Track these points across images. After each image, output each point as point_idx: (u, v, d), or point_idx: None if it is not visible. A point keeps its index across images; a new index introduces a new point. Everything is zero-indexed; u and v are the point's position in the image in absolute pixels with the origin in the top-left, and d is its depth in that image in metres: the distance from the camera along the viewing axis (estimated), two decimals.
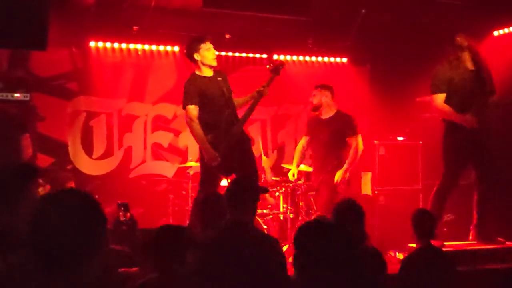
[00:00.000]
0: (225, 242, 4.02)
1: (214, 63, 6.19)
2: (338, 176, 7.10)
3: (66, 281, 1.99)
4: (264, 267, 3.93)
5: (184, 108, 6.16)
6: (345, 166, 7.13)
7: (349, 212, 4.40)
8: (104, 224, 2.11)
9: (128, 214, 4.76)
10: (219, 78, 6.23)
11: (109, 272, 3.35)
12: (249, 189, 4.35)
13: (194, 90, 6.09)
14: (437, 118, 6.96)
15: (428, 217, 5.01)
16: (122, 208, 4.80)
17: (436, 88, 6.60)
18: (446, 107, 6.56)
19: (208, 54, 6.13)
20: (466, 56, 6.61)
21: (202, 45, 6.11)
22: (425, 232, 4.89)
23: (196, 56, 6.12)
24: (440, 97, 6.58)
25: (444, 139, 6.72)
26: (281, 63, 6.51)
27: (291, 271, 3.16)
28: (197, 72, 6.20)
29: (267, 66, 6.50)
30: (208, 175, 6.14)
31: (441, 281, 4.63)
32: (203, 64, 6.15)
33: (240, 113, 6.40)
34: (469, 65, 6.61)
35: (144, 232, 5.49)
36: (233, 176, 6.53)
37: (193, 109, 6.06)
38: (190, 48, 6.16)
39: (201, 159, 6.29)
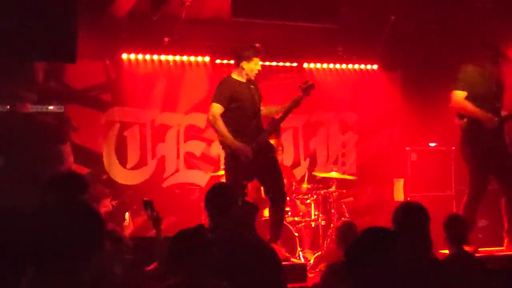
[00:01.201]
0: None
1: (253, 78, 6.32)
2: None
3: (62, 282, 2.05)
4: (256, 272, 3.98)
5: (210, 103, 6.25)
6: None
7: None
8: (100, 229, 2.18)
9: (154, 212, 4.85)
10: (251, 86, 6.32)
11: (107, 273, 3.41)
12: (225, 197, 4.43)
13: (226, 91, 6.19)
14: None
15: (460, 223, 4.99)
16: (147, 206, 4.91)
17: (460, 86, 6.56)
18: (468, 103, 6.51)
19: (255, 68, 6.26)
20: (497, 65, 6.59)
21: (255, 59, 6.24)
22: (457, 238, 4.86)
23: (244, 64, 6.22)
24: (462, 94, 6.55)
25: (464, 145, 6.67)
26: (312, 85, 6.54)
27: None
28: (233, 76, 6.31)
29: (299, 85, 6.55)
30: (232, 179, 6.18)
31: (474, 287, 4.60)
32: (245, 74, 6.25)
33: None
34: (497, 75, 6.59)
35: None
36: (255, 181, 6.60)
37: (218, 108, 6.14)
38: (243, 55, 6.24)
39: (226, 166, 6.34)
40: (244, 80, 6.28)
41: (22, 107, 6.39)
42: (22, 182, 5.29)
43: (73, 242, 2.06)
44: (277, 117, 6.49)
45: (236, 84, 6.24)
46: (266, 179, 6.36)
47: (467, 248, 5.43)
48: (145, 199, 4.96)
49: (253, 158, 6.09)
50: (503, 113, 6.59)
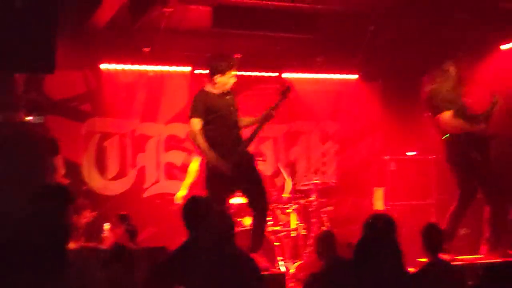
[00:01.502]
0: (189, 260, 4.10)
1: (227, 90, 6.26)
2: None
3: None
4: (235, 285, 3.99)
5: (189, 119, 6.23)
6: None
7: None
8: (62, 245, 2.18)
9: (126, 224, 4.82)
10: (227, 97, 6.30)
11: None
12: (201, 209, 4.45)
13: (201, 104, 6.15)
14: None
15: (436, 232, 5.05)
16: (122, 220, 4.87)
17: (443, 107, 6.65)
18: (458, 121, 6.60)
19: (229, 81, 6.21)
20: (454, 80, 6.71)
21: (228, 73, 6.18)
22: (434, 247, 4.91)
23: (217, 78, 6.17)
24: (450, 114, 6.62)
25: (452, 157, 6.76)
26: (289, 87, 6.55)
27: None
28: (207, 89, 6.27)
29: (277, 89, 6.58)
30: (214, 194, 6.17)
31: None
32: (219, 87, 6.23)
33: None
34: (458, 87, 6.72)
35: (154, 251, 5.56)
36: (238, 193, 6.60)
37: (197, 123, 6.11)
38: (217, 68, 6.18)
39: (206, 178, 6.33)
40: (217, 92, 6.24)
41: (15, 117, 6.35)
42: (12, 192, 5.24)
43: (36, 253, 2.03)
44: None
45: (209, 96, 6.21)
46: (248, 190, 6.35)
47: (444, 257, 5.49)
48: (120, 213, 4.93)
49: (234, 170, 6.09)
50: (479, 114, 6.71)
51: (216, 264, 4.07)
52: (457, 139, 6.66)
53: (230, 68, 6.19)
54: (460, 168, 6.73)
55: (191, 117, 6.16)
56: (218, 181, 6.10)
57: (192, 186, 7.28)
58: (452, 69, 6.72)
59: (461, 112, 6.64)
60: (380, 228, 4.17)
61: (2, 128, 6.42)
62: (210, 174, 6.19)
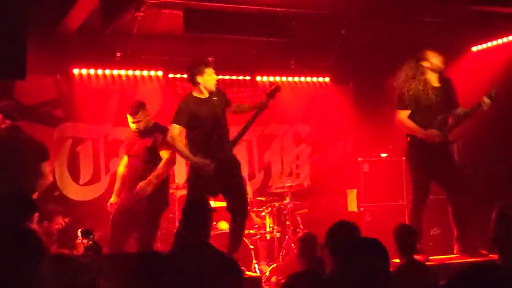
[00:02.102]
0: (183, 263, 4.12)
1: (214, 88, 6.32)
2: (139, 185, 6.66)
3: None
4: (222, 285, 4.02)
5: (170, 124, 6.28)
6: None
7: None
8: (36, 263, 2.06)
9: (89, 240, 4.73)
10: (214, 98, 6.34)
11: None
12: (201, 211, 4.46)
13: (185, 111, 6.21)
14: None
15: (409, 232, 5.06)
16: (85, 236, 4.77)
17: (403, 105, 6.69)
18: (410, 122, 6.66)
19: (210, 79, 6.27)
20: (432, 73, 6.70)
21: (207, 70, 6.25)
22: (407, 247, 4.95)
23: (198, 79, 6.24)
24: (405, 113, 6.69)
25: (407, 155, 6.87)
26: (277, 87, 6.65)
27: None
28: (194, 94, 6.33)
29: (264, 90, 6.67)
30: (195, 195, 6.18)
31: None
32: (204, 88, 6.27)
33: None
34: (434, 82, 6.71)
35: (129, 256, 5.53)
36: (220, 197, 6.61)
37: (176, 128, 6.18)
38: (194, 71, 6.27)
39: (188, 182, 6.36)
40: (205, 96, 6.30)
41: (10, 122, 6.26)
42: None
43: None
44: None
45: (195, 101, 6.26)
46: (229, 193, 6.38)
47: (417, 257, 5.55)
48: (82, 228, 4.81)
49: (217, 172, 6.12)
50: (459, 111, 6.71)
51: (202, 266, 4.10)
52: (416, 141, 6.71)
53: (206, 65, 6.29)
54: (415, 167, 6.79)
55: (172, 122, 6.23)
56: (200, 183, 6.14)
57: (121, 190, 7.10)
58: (422, 64, 6.69)
59: (422, 114, 6.63)
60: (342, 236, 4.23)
61: None
62: (192, 175, 6.24)
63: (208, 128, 6.24)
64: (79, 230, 5.96)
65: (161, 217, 6.98)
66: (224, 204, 6.61)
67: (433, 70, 6.67)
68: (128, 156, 7.04)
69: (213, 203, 7.67)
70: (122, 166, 7.14)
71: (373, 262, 3.06)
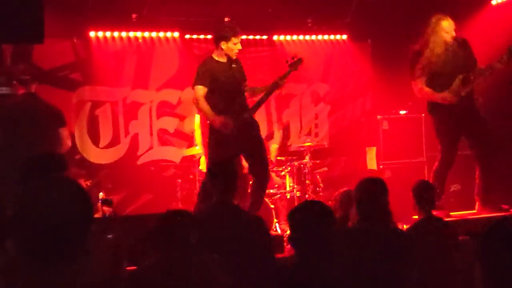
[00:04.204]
0: (213, 223, 4.17)
1: (234, 57, 6.31)
2: None
3: (61, 274, 1.88)
4: (249, 246, 4.07)
5: (193, 87, 6.30)
6: None
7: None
8: (91, 210, 2.02)
9: (111, 209, 4.82)
10: (233, 65, 6.35)
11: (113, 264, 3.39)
12: (229, 172, 4.51)
13: (206, 72, 6.23)
14: None
15: (427, 188, 5.07)
16: (106, 204, 4.87)
17: (417, 74, 6.65)
18: (426, 90, 6.63)
19: (234, 48, 6.25)
20: (443, 35, 6.61)
21: (233, 39, 6.22)
22: (426, 203, 4.96)
23: (223, 44, 6.21)
24: (420, 82, 6.64)
25: (431, 116, 6.82)
26: (300, 60, 6.59)
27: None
28: (214, 56, 6.33)
29: (286, 61, 6.62)
30: (216, 158, 6.20)
31: (443, 250, 4.71)
32: (225, 54, 6.26)
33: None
34: (448, 41, 6.61)
35: (151, 217, 5.59)
36: (241, 158, 6.64)
37: (200, 89, 6.20)
38: (221, 36, 6.24)
39: (209, 142, 6.40)
40: (224, 60, 6.29)
41: (24, 88, 6.30)
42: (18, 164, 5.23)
43: (67, 225, 1.89)
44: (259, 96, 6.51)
45: (216, 64, 6.27)
46: (251, 155, 6.41)
47: (436, 213, 5.56)
48: (103, 193, 4.91)
49: (237, 134, 6.14)
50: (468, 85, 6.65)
51: (233, 226, 4.16)
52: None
53: (233, 34, 6.24)
54: (439, 123, 6.75)
55: (194, 84, 6.26)
56: (221, 146, 6.18)
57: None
58: (440, 25, 6.62)
59: (437, 79, 6.58)
60: (373, 191, 4.23)
61: (9, 99, 6.40)
62: (213, 138, 6.28)
63: (228, 92, 6.26)
64: (100, 193, 6.05)
65: None
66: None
67: (447, 34, 6.59)
68: None
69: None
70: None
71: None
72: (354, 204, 4.33)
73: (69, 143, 6.57)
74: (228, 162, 4.90)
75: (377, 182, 4.28)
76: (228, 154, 6.19)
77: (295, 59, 6.58)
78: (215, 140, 6.25)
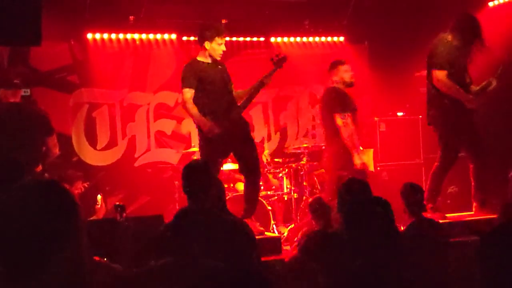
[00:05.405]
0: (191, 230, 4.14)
1: (219, 58, 6.24)
2: None
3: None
4: (232, 250, 4.03)
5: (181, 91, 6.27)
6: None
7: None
8: (73, 215, 1.85)
9: (124, 214, 4.80)
10: (219, 66, 6.30)
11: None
12: (203, 175, 4.46)
13: (191, 74, 6.15)
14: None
15: (415, 191, 5.04)
16: (119, 209, 4.86)
17: (439, 66, 6.51)
18: (453, 83, 6.48)
19: (218, 48, 6.16)
20: (466, 39, 6.56)
21: (217, 38, 6.13)
22: (415, 206, 4.95)
23: (206, 44, 6.14)
24: (444, 73, 6.51)
25: (443, 119, 6.61)
26: (284, 57, 6.55)
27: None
28: (198, 58, 6.27)
29: (271, 59, 6.54)
30: (208, 158, 6.18)
31: (435, 252, 4.71)
32: (209, 55, 6.20)
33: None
34: (467, 48, 6.56)
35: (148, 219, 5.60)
36: (231, 157, 6.62)
37: (187, 92, 6.11)
38: (205, 36, 6.16)
39: (200, 143, 6.35)
40: (209, 61, 6.21)
41: (11, 95, 6.28)
42: None
43: (44, 232, 1.77)
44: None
45: (201, 65, 6.19)
46: (241, 155, 6.37)
47: (431, 215, 5.56)
48: (119, 203, 4.91)
49: (227, 134, 6.10)
50: (473, 88, 6.62)
51: (213, 231, 4.10)
52: (456, 104, 6.58)
53: (218, 34, 6.16)
54: (444, 129, 6.69)
55: (182, 87, 6.19)
56: (210, 145, 6.12)
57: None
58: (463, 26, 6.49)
59: (455, 76, 6.50)
60: (356, 191, 4.25)
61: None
62: (203, 139, 6.23)
63: (215, 92, 6.18)
64: (98, 195, 6.03)
65: None
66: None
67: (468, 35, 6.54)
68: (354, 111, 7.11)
69: (232, 166, 7.73)
70: None
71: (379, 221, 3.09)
72: (332, 210, 4.33)
73: (56, 151, 6.55)
74: (201, 165, 4.85)
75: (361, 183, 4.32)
76: (217, 153, 6.18)
77: (280, 57, 6.51)
78: (205, 140, 6.20)
